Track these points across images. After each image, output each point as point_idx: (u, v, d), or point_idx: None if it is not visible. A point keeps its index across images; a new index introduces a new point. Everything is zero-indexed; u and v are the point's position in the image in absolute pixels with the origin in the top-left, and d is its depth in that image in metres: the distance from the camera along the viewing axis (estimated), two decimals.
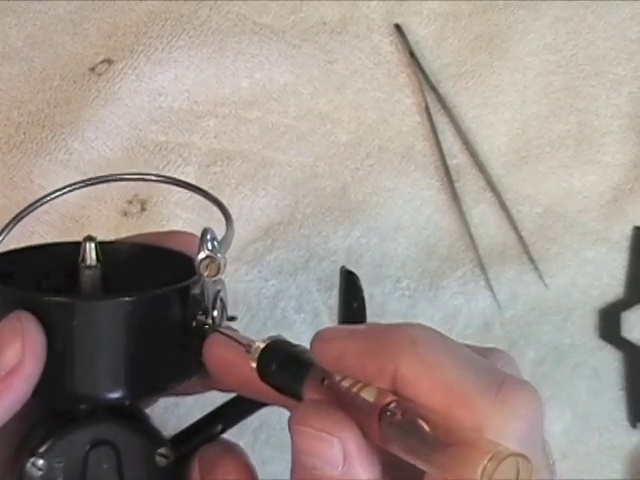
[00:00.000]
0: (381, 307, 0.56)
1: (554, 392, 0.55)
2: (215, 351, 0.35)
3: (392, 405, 0.28)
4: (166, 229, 0.56)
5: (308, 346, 0.33)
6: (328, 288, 0.56)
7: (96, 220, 0.56)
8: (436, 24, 0.60)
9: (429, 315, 0.56)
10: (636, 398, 0.55)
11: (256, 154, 0.58)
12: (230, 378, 0.35)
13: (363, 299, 0.37)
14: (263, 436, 0.55)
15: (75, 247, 0.38)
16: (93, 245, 0.37)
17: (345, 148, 0.58)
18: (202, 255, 0.33)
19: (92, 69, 0.58)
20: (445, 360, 0.28)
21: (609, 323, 0.55)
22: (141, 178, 0.46)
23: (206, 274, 0.34)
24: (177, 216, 0.56)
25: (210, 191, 0.57)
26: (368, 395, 0.29)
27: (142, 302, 0.33)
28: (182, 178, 0.57)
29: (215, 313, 0.35)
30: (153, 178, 0.45)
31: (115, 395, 0.34)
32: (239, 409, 0.38)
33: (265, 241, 0.56)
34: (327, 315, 0.56)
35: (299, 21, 0.60)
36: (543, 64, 0.59)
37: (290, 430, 0.30)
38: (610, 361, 0.55)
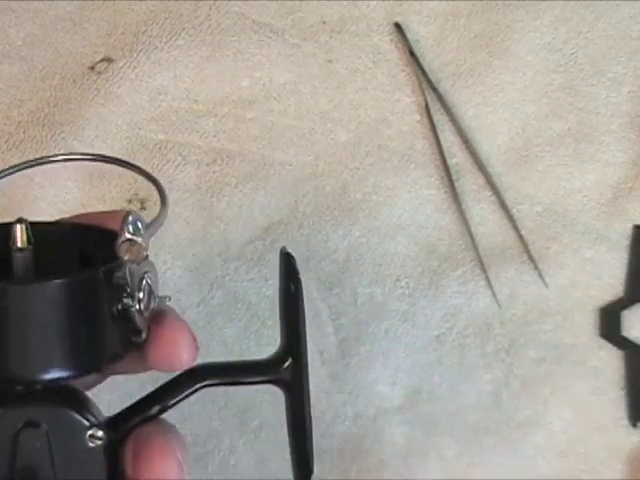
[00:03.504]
0: (381, 306, 0.56)
1: (554, 391, 0.55)
2: None
3: None
4: (166, 228, 0.56)
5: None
6: (328, 287, 0.56)
7: None
8: (436, 23, 0.60)
9: (429, 314, 0.56)
10: (636, 398, 0.55)
11: (256, 153, 0.58)
12: None
13: (299, 281, 0.37)
14: (263, 435, 0.55)
15: (7, 229, 0.37)
16: (24, 227, 0.37)
17: (345, 147, 0.58)
18: (122, 238, 0.33)
19: (92, 68, 0.58)
20: None
21: (609, 322, 0.55)
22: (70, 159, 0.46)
23: (126, 257, 0.34)
24: (177, 215, 0.56)
25: (209, 190, 0.57)
26: None
27: (61, 285, 0.33)
28: (182, 177, 0.57)
29: (141, 295, 0.35)
30: (86, 158, 0.46)
31: (46, 377, 0.34)
32: (178, 390, 0.37)
33: (265, 240, 0.56)
34: (327, 314, 0.56)
35: (299, 20, 0.60)
36: (543, 63, 0.59)
37: None
38: (610, 360, 0.55)
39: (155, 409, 0.37)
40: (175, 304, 0.55)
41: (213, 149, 0.58)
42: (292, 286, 0.38)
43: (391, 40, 0.59)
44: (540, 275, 0.56)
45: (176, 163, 0.57)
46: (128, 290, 0.35)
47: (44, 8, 0.60)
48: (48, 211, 0.56)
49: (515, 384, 0.55)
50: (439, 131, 0.58)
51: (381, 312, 0.55)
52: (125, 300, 0.35)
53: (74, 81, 0.58)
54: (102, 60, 0.58)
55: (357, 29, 0.60)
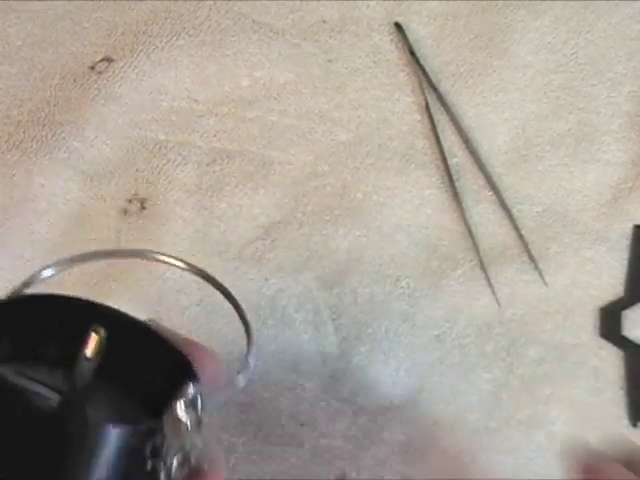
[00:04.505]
0: (381, 306, 0.56)
1: (554, 391, 0.55)
2: None
3: None
4: (166, 227, 0.56)
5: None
6: (328, 287, 0.56)
7: (96, 218, 0.56)
8: (436, 23, 0.60)
9: (429, 314, 0.56)
10: (636, 398, 0.55)
11: (256, 153, 0.58)
12: None
13: None
14: (261, 434, 0.55)
15: (87, 308, 0.36)
16: (98, 339, 0.35)
17: (345, 147, 0.58)
18: (171, 411, 0.32)
19: (92, 68, 0.58)
20: None
21: (609, 322, 0.55)
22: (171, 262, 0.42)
23: (168, 432, 0.32)
24: (177, 215, 0.56)
25: (210, 189, 0.57)
26: None
27: (101, 432, 0.32)
28: (182, 177, 0.57)
29: (174, 463, 0.34)
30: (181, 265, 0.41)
31: None
32: None
33: (265, 240, 0.56)
34: (327, 314, 0.56)
35: (299, 20, 0.60)
36: (543, 63, 0.59)
37: None
38: (610, 360, 0.55)
39: None
40: (175, 304, 0.55)
41: (213, 149, 0.58)
42: None
43: (391, 40, 0.59)
44: (540, 275, 0.56)
45: (176, 163, 0.57)
46: (161, 454, 0.34)
47: (44, 8, 0.60)
48: (48, 211, 0.56)
49: (515, 384, 0.55)
50: (439, 131, 0.58)
51: (381, 312, 0.55)
52: (155, 463, 0.34)
53: (74, 81, 0.58)
54: (102, 60, 0.58)
55: (357, 29, 0.60)
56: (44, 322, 0.36)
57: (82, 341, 0.34)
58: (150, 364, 0.36)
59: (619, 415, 0.55)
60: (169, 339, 0.36)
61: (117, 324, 0.36)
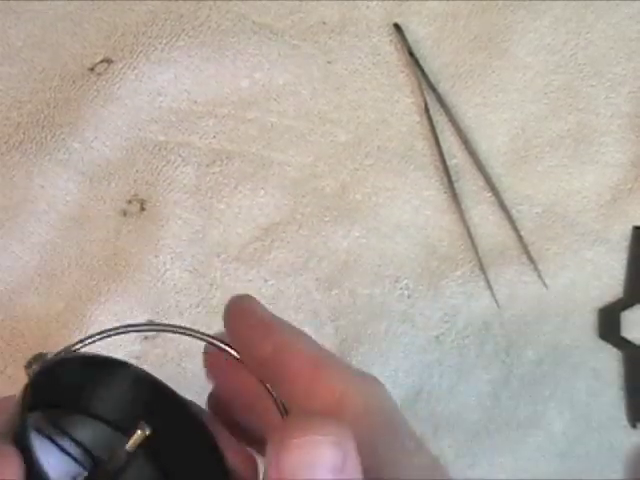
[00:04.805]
0: (380, 307, 0.56)
1: (554, 392, 0.55)
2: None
3: None
4: (165, 228, 0.56)
5: None
6: (327, 288, 0.56)
7: (96, 219, 0.56)
8: (435, 24, 0.60)
9: (428, 315, 0.56)
10: (636, 398, 0.55)
11: (255, 154, 0.58)
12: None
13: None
14: None
15: (149, 385, 0.35)
16: (141, 436, 0.34)
17: (344, 148, 0.58)
18: None
19: (91, 69, 0.58)
20: None
21: (608, 323, 0.55)
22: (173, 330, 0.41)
23: None
24: (176, 216, 0.56)
25: (209, 190, 0.57)
26: None
27: None
28: (181, 178, 0.57)
29: None
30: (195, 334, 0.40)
31: None
32: None
33: (264, 241, 0.56)
34: (326, 315, 0.56)
35: (298, 21, 0.60)
36: (542, 64, 0.59)
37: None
38: (610, 361, 0.55)
39: None
40: (175, 305, 0.55)
41: (213, 150, 0.58)
42: None
43: (390, 41, 0.59)
44: (539, 276, 0.56)
45: (176, 164, 0.57)
46: None
47: (44, 9, 0.60)
48: (47, 212, 0.56)
49: (514, 385, 0.55)
50: (439, 132, 0.58)
51: (380, 313, 0.55)
52: None
53: (74, 82, 0.58)
54: (102, 61, 0.59)
55: (356, 30, 0.60)
56: (100, 382, 0.35)
57: (126, 432, 0.34)
58: (189, 459, 0.35)
59: (618, 416, 0.55)
60: (215, 438, 0.35)
61: (169, 408, 0.35)
